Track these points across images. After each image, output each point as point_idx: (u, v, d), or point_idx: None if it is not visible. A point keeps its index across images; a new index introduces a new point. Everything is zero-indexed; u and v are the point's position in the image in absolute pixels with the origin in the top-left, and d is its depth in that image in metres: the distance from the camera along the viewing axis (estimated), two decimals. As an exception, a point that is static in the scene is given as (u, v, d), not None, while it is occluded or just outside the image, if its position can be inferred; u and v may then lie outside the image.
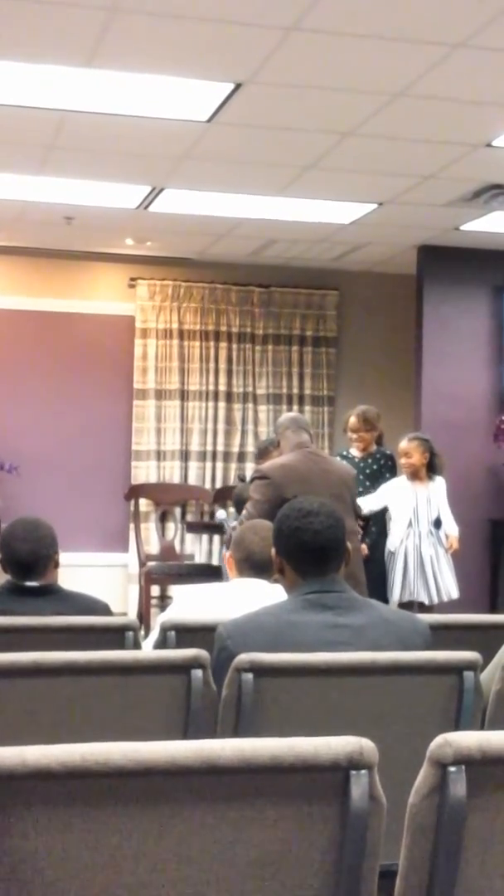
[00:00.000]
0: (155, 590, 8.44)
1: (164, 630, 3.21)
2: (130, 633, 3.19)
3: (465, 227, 7.90)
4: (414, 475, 7.13)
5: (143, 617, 7.99)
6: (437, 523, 7.09)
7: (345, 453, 7.51)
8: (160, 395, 9.35)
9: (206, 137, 5.95)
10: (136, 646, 3.20)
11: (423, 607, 7.04)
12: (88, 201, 7.42)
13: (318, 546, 2.86)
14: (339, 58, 4.86)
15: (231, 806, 1.60)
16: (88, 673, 2.64)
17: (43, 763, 1.51)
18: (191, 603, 3.70)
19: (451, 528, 7.13)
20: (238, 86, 5.18)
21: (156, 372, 9.34)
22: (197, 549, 9.36)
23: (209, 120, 5.66)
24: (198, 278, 9.43)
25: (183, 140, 6.02)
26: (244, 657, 2.54)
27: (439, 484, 7.19)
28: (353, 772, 1.62)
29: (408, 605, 7.08)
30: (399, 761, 2.08)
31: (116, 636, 3.19)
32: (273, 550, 2.98)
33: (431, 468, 7.18)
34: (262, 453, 7.46)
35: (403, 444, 7.21)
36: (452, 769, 1.61)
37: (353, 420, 7.49)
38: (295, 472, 5.58)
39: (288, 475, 5.55)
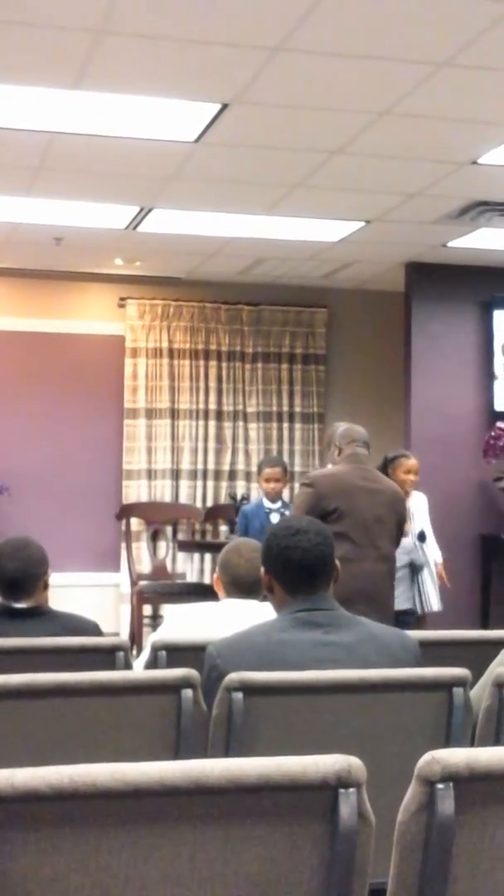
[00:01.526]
0: (147, 609, 8.44)
1: (155, 650, 3.21)
2: (121, 654, 3.19)
3: (453, 243, 7.94)
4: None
5: (136, 636, 7.98)
6: (422, 536, 7.12)
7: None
8: (150, 413, 9.35)
9: (193, 158, 5.97)
10: (127, 666, 3.20)
11: (415, 616, 7.04)
12: (77, 222, 7.44)
13: (307, 564, 2.86)
14: (325, 77, 4.89)
15: (220, 826, 1.60)
16: (79, 694, 2.63)
17: (31, 785, 1.51)
18: (182, 622, 3.70)
19: (437, 554, 7.14)
20: (225, 106, 5.21)
21: (146, 391, 9.35)
22: (189, 567, 9.36)
23: (197, 140, 5.68)
24: (187, 297, 9.45)
25: (171, 160, 6.05)
26: (234, 676, 2.55)
27: (421, 499, 7.21)
28: (342, 790, 1.62)
29: (406, 614, 7.08)
30: (389, 778, 2.08)
31: (107, 656, 3.19)
32: (262, 569, 2.99)
33: None
34: (259, 471, 7.53)
35: (411, 461, 7.18)
36: (440, 786, 1.61)
37: None
38: (342, 484, 5.43)
39: (334, 486, 5.41)
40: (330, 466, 5.82)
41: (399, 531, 5.64)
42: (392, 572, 5.62)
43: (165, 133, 5.59)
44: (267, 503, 7.42)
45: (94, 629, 3.56)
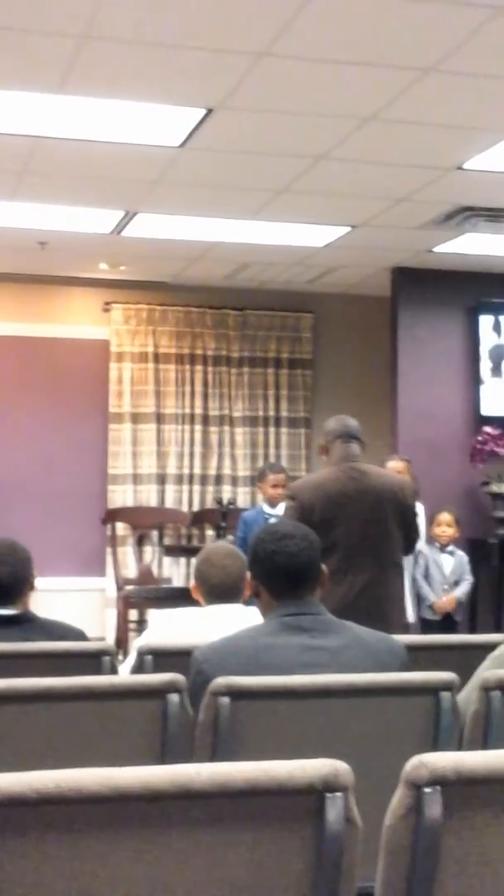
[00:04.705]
0: (133, 614, 8.41)
1: (141, 654, 3.20)
2: (107, 658, 3.18)
3: (438, 249, 7.95)
4: None
5: (121, 641, 7.96)
6: None
7: None
8: (136, 418, 9.34)
9: (178, 162, 5.97)
10: (113, 671, 3.19)
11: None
12: (62, 226, 7.43)
13: (294, 569, 2.86)
14: (311, 82, 4.89)
15: (206, 830, 1.59)
16: (64, 699, 2.62)
17: (17, 790, 1.50)
18: (168, 627, 3.70)
19: None
20: (210, 111, 5.21)
21: (131, 396, 9.34)
22: (175, 572, 9.35)
23: (181, 145, 5.68)
24: (172, 302, 9.44)
25: (156, 165, 6.04)
26: (220, 681, 2.54)
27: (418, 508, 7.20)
28: (329, 794, 1.61)
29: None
30: (376, 783, 2.08)
31: (92, 661, 3.17)
32: (248, 574, 2.99)
33: None
34: (261, 477, 7.50)
35: (395, 462, 7.18)
36: (428, 790, 1.61)
37: None
38: (326, 492, 4.83)
39: (318, 495, 4.81)
40: (315, 472, 5.59)
41: (407, 527, 4.96)
42: (397, 580, 4.98)
43: (150, 138, 5.59)
44: (267, 509, 7.38)
45: (79, 637, 3.53)
